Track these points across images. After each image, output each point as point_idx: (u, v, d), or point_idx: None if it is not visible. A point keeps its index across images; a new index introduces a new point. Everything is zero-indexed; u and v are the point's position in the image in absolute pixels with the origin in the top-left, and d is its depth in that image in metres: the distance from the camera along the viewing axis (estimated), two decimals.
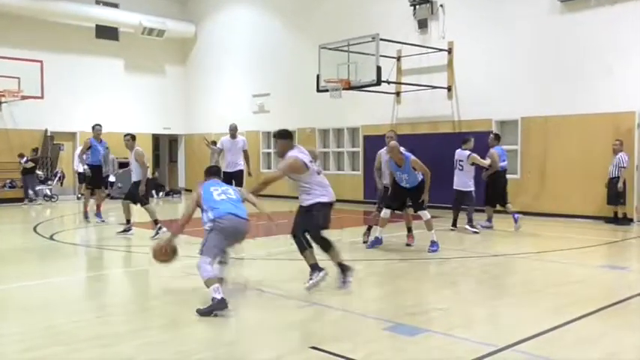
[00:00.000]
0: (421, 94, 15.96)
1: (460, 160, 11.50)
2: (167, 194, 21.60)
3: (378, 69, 13.82)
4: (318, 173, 6.53)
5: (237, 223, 5.91)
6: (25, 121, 19.61)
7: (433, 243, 9.05)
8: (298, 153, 6.39)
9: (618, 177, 12.33)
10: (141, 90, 22.62)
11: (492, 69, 14.93)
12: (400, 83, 16.29)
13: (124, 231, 11.07)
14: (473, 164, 11.44)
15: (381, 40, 13.98)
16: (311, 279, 6.32)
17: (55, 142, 20.43)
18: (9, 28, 19.41)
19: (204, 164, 8.34)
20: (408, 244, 9.59)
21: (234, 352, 4.59)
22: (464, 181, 11.49)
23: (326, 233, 6.58)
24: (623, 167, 12.33)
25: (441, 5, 15.88)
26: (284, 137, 6.52)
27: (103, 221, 12.78)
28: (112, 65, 22.01)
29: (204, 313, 5.37)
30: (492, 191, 11.91)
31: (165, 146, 25.19)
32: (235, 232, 5.93)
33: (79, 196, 16.24)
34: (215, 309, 5.36)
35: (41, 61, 18.70)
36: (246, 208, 6.13)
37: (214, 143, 18.82)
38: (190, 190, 19.33)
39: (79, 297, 6.81)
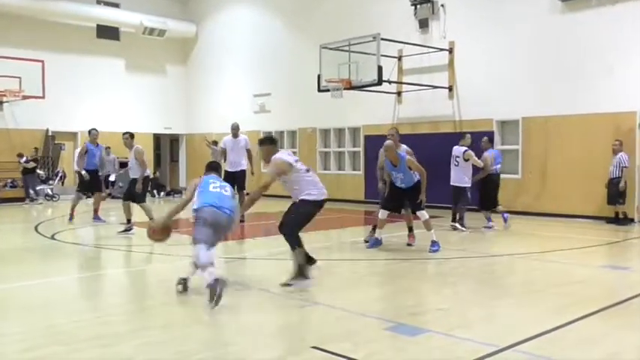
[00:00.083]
0: (422, 93, 15.95)
1: (457, 156, 11.66)
2: (168, 194, 21.61)
3: (379, 69, 13.81)
4: (307, 171, 6.56)
5: (217, 215, 6.05)
6: (26, 120, 19.64)
7: (434, 243, 9.03)
8: (282, 155, 6.55)
9: (619, 177, 12.32)
10: (142, 90, 22.63)
11: (493, 69, 14.92)
12: (401, 83, 16.28)
13: (125, 230, 11.09)
14: (467, 160, 11.56)
15: (382, 39, 13.98)
16: (291, 283, 6.31)
17: (56, 142, 20.46)
18: (10, 28, 19.42)
19: (205, 164, 8.32)
20: (409, 244, 9.57)
21: (235, 353, 4.57)
22: (460, 176, 11.62)
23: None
24: (625, 167, 12.32)
25: (442, 5, 15.87)
26: (266, 143, 6.75)
27: (104, 222, 12.77)
28: (113, 65, 22.02)
29: (213, 299, 5.48)
30: (484, 194, 12.03)
31: (166, 146, 25.20)
32: (215, 223, 6.04)
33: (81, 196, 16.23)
34: (216, 288, 5.47)
35: (42, 61, 18.74)
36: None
37: (215, 143, 18.87)
38: None
39: (80, 296, 6.82)
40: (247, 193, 11.30)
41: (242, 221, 12.40)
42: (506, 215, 11.86)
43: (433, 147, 14.16)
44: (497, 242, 10.64)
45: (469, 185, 11.67)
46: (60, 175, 19.79)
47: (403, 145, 9.85)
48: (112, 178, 19.71)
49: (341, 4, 18.35)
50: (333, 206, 16.44)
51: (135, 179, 11.22)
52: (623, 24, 12.86)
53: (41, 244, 10.29)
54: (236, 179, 12.51)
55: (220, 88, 22.57)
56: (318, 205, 6.53)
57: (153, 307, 6.13)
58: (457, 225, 11.49)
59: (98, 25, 21.54)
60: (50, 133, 20.24)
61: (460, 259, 8.77)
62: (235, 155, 12.73)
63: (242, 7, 21.95)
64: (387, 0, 17.01)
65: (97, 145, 13.04)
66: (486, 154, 12.01)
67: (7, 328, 5.13)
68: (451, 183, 11.73)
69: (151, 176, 13.82)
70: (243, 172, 12.79)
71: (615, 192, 12.40)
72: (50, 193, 19.09)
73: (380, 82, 13.98)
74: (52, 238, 10.73)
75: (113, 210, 14.76)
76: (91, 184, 12.91)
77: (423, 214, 9.09)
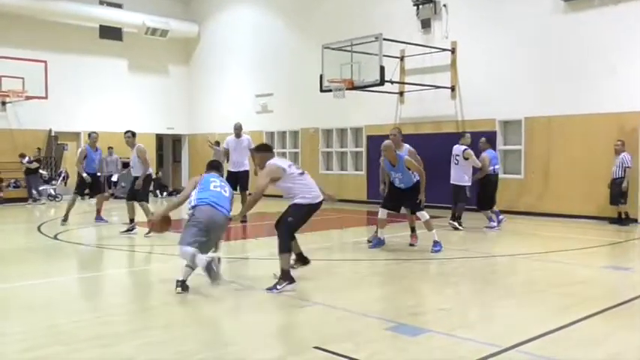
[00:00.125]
0: (424, 94, 15.93)
1: (456, 155, 11.74)
2: (170, 194, 21.61)
3: (382, 69, 13.79)
4: (301, 174, 6.56)
5: (214, 214, 6.22)
6: (29, 121, 19.68)
7: (436, 243, 9.01)
8: (275, 160, 6.62)
9: (622, 177, 12.29)
10: (144, 90, 22.65)
11: (496, 69, 14.89)
12: (403, 83, 16.27)
13: (128, 230, 11.09)
14: (467, 159, 11.61)
15: (385, 40, 13.96)
16: (276, 286, 6.30)
17: (59, 142, 20.48)
18: (13, 29, 19.46)
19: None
20: (411, 244, 9.54)
21: (236, 353, 4.57)
22: (460, 175, 11.69)
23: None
24: (628, 167, 12.29)
25: (444, 5, 15.85)
26: (262, 150, 6.93)
27: (106, 222, 12.77)
28: (116, 65, 22.06)
29: (213, 277, 5.92)
30: (482, 194, 12.06)
31: (168, 146, 25.22)
32: (211, 222, 6.21)
33: (83, 196, 16.24)
34: (212, 266, 5.88)
35: (45, 62, 18.77)
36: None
37: (217, 144, 18.90)
38: None
39: (81, 296, 6.82)
40: (250, 194, 11.29)
41: (244, 221, 12.42)
42: (501, 217, 11.92)
43: (436, 147, 14.14)
44: (499, 242, 10.62)
45: (469, 184, 11.74)
46: (63, 175, 19.83)
47: (406, 145, 9.84)
48: (114, 178, 19.74)
49: (343, 5, 18.34)
50: (335, 206, 16.45)
51: (137, 177, 11.24)
52: (626, 24, 12.83)
53: (44, 244, 10.30)
54: (239, 179, 12.52)
55: (223, 89, 22.59)
56: (313, 208, 6.55)
57: (154, 307, 6.13)
58: (455, 224, 11.55)
59: (101, 26, 21.58)
60: (53, 134, 20.27)
61: (462, 259, 8.75)
62: (238, 155, 12.72)
63: (244, 7, 21.96)
64: (390, 0, 17.00)
65: (96, 149, 12.93)
66: (484, 155, 12.04)
67: (9, 328, 5.13)
68: (451, 182, 11.82)
69: (154, 176, 13.78)
70: (246, 172, 12.78)
71: (618, 192, 12.37)
72: (53, 193, 19.12)
73: (382, 82, 13.96)
74: (55, 238, 10.74)
75: (115, 210, 14.78)
76: (92, 186, 12.90)
77: (423, 214, 9.07)
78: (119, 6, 21.98)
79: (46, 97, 18.68)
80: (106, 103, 21.40)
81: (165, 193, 21.51)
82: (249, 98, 21.24)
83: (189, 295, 6.17)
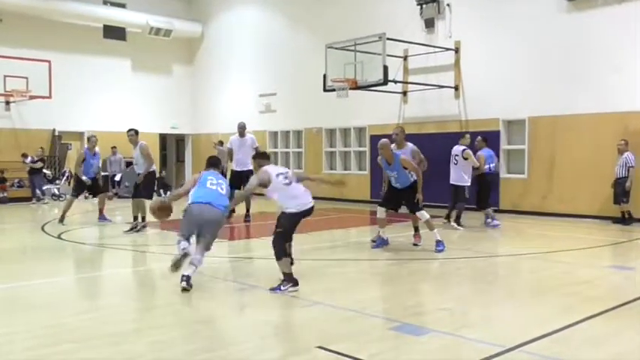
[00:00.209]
0: (428, 93, 15.92)
1: (456, 155, 11.80)
2: None
3: (385, 68, 13.80)
4: (289, 184, 6.55)
5: (203, 208, 6.45)
6: (33, 120, 19.73)
7: (438, 242, 9.01)
8: (268, 167, 6.68)
9: (626, 177, 12.27)
10: (148, 90, 22.68)
11: (499, 68, 14.88)
12: (407, 83, 16.26)
13: (132, 229, 11.11)
14: (467, 159, 11.66)
15: (388, 39, 13.96)
16: (280, 287, 6.32)
17: (62, 142, 20.53)
18: (17, 28, 19.50)
19: None
20: (415, 244, 9.54)
21: (239, 352, 4.59)
22: (459, 175, 11.74)
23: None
24: (632, 167, 12.27)
25: (448, 4, 15.84)
26: (259, 157, 7.06)
27: (110, 221, 12.80)
28: (120, 65, 22.09)
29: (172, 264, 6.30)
30: (479, 193, 12.10)
31: (172, 146, 25.25)
32: (199, 216, 6.46)
33: (86, 196, 16.29)
34: (179, 258, 6.27)
35: (49, 61, 18.81)
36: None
37: (221, 143, 18.92)
38: None
39: (86, 295, 6.86)
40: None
41: (247, 221, 12.45)
42: (495, 222, 11.95)
43: (439, 147, 14.10)
44: (502, 242, 10.62)
45: (468, 184, 11.80)
46: (67, 175, 19.86)
47: (409, 144, 9.83)
48: (117, 177, 19.77)
49: (346, 4, 18.34)
50: (338, 206, 16.49)
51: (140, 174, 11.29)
52: (630, 23, 12.79)
53: (48, 244, 10.33)
54: (243, 179, 12.53)
55: (226, 88, 22.60)
56: (301, 215, 6.56)
57: (158, 306, 6.16)
58: (454, 224, 11.60)
59: (105, 26, 21.60)
60: (57, 133, 20.32)
61: (465, 259, 8.75)
62: (242, 155, 12.74)
63: (248, 6, 21.97)
64: (393, 0, 17.00)
65: (95, 154, 12.74)
66: (480, 154, 12.13)
67: (16, 327, 5.16)
68: (450, 182, 11.87)
69: (157, 174, 13.80)
70: (250, 172, 12.76)
71: (621, 191, 12.35)
72: (57, 192, 19.16)
73: (386, 81, 13.97)
74: (59, 237, 10.77)
75: (119, 209, 14.82)
76: (92, 188, 12.90)
77: (423, 214, 9.05)
78: (123, 6, 22.01)
79: (49, 97, 18.73)
80: (110, 102, 21.43)
81: (168, 192, 21.52)
82: (253, 98, 21.25)
83: (193, 294, 6.19)
